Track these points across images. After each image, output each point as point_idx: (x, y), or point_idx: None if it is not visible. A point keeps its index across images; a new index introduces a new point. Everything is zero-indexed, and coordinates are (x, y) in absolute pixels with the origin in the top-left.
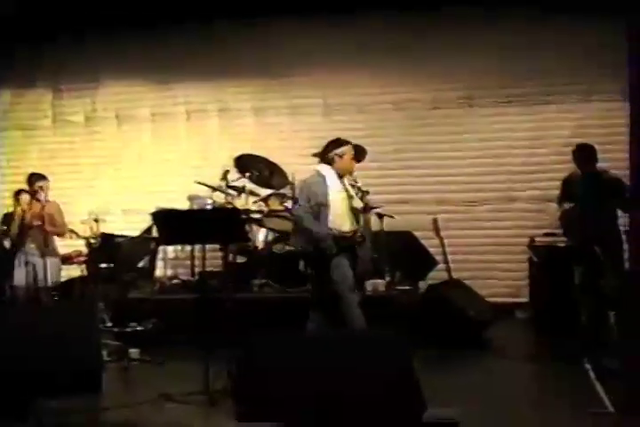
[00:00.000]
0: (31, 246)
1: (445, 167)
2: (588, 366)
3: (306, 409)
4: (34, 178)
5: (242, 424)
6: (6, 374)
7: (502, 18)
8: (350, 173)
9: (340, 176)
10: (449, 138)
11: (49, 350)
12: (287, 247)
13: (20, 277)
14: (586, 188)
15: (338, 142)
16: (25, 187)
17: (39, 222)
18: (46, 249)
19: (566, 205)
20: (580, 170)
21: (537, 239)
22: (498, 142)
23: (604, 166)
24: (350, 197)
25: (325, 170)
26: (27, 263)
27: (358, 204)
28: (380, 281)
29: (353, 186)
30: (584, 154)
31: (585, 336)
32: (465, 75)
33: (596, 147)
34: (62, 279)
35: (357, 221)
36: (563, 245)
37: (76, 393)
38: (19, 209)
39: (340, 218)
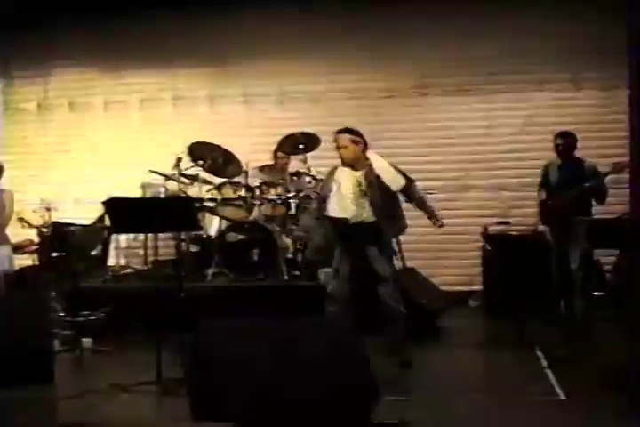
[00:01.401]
0: None
1: (399, 155)
2: (539, 353)
3: (256, 397)
4: None
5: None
6: None
7: (459, 3)
8: (351, 160)
9: (347, 165)
10: (403, 126)
11: (0, 339)
12: (240, 236)
13: None
14: (562, 175)
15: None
16: None
17: None
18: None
19: (543, 194)
20: (559, 157)
21: (490, 228)
22: (452, 131)
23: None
24: (360, 186)
25: None
26: None
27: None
28: (331, 270)
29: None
30: (565, 141)
31: (564, 324)
32: (418, 63)
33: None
34: (14, 269)
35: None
36: (516, 233)
37: (28, 383)
38: None
39: (339, 204)
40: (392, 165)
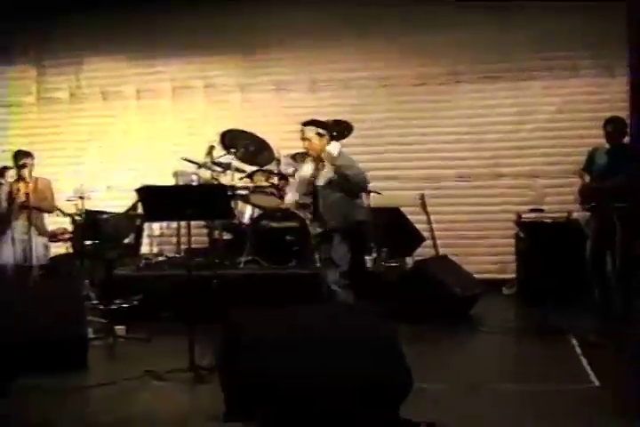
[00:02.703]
0: (19, 224)
1: (432, 143)
2: (573, 341)
3: (294, 385)
4: (19, 155)
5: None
6: None
7: None
8: (313, 152)
9: (310, 157)
10: (435, 114)
11: (35, 327)
12: (272, 224)
13: (7, 255)
14: (611, 160)
15: None
16: (9, 164)
17: (25, 200)
18: (34, 227)
19: (586, 178)
20: (608, 142)
21: (523, 215)
22: (484, 118)
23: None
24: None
25: None
26: (14, 241)
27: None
28: (366, 257)
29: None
30: (614, 126)
31: (598, 311)
32: (450, 51)
33: (586, 122)
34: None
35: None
36: (549, 220)
37: (62, 370)
38: (4, 187)
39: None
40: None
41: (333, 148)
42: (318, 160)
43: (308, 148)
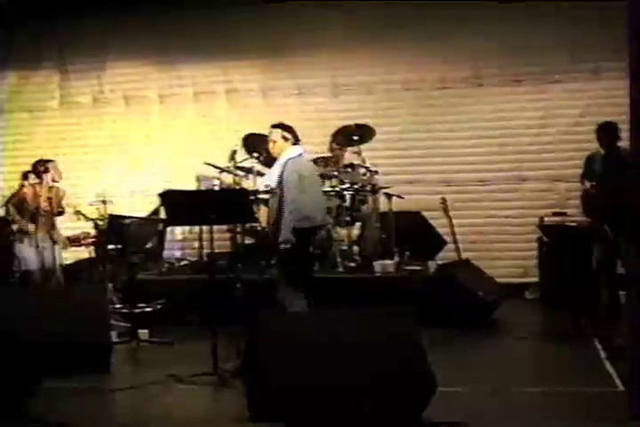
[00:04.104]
0: (41, 231)
1: (454, 147)
2: (598, 345)
3: (319, 387)
4: (39, 165)
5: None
6: (17, 355)
7: None
8: (277, 155)
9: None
10: (458, 118)
11: (59, 331)
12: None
13: (31, 260)
14: (607, 166)
15: None
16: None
17: (48, 206)
18: (53, 232)
19: (587, 184)
20: (602, 148)
21: (546, 219)
22: (506, 122)
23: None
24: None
25: None
26: (37, 246)
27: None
28: (388, 261)
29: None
30: (607, 132)
31: (604, 315)
32: (474, 54)
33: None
34: (71, 261)
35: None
36: (573, 224)
37: (86, 374)
38: (27, 192)
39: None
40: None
41: (292, 152)
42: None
43: (271, 149)
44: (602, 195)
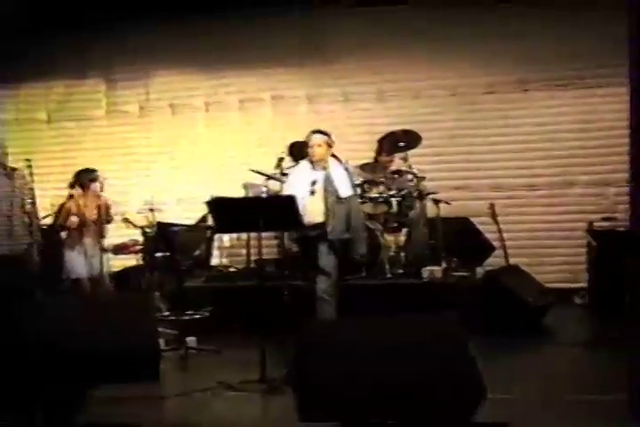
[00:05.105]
0: (89, 239)
1: (501, 152)
2: None
3: (362, 397)
4: (83, 174)
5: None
6: (65, 363)
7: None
8: (320, 160)
9: (313, 164)
10: (504, 122)
11: (107, 339)
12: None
13: (80, 269)
14: None
15: None
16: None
17: (95, 215)
18: (102, 241)
19: None
20: None
21: (595, 224)
22: (554, 126)
23: None
24: (314, 185)
25: None
26: (86, 254)
27: None
28: (436, 267)
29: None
30: None
31: None
32: (518, 59)
33: None
34: (118, 269)
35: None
36: (622, 229)
37: (134, 382)
38: (74, 201)
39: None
40: (347, 173)
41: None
42: (317, 167)
43: (317, 153)
44: None
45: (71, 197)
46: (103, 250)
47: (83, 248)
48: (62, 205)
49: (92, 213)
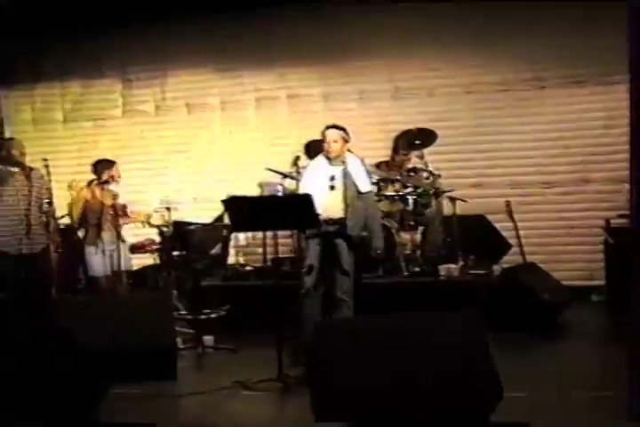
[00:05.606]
0: (107, 236)
1: (517, 150)
2: None
3: (376, 396)
4: (100, 166)
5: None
6: (83, 361)
7: None
8: (337, 155)
9: (330, 159)
10: (520, 120)
11: (124, 337)
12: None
13: (98, 266)
14: None
15: None
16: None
17: (112, 211)
18: (119, 237)
19: None
20: None
21: (612, 221)
22: (570, 124)
23: None
24: (332, 180)
25: None
26: (104, 252)
27: None
28: (453, 265)
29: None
30: None
31: None
32: (535, 56)
33: None
34: (135, 268)
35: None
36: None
37: (151, 380)
38: (89, 196)
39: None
40: (364, 168)
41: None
42: (333, 163)
43: (333, 149)
44: None
45: (89, 185)
46: (120, 247)
47: (100, 245)
48: (76, 202)
49: (108, 203)
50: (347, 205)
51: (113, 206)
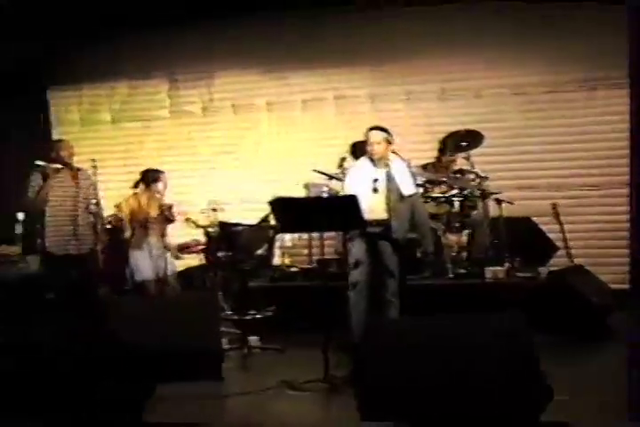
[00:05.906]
0: (154, 239)
1: (564, 151)
2: None
3: (424, 397)
4: (149, 174)
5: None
6: (131, 362)
7: None
8: (380, 157)
9: (373, 161)
10: (567, 122)
11: (171, 338)
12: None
13: (145, 268)
14: None
15: None
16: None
17: (158, 214)
18: (165, 240)
19: None
20: None
21: None
22: (615, 125)
23: None
24: (376, 182)
25: None
26: (151, 254)
27: None
28: (499, 268)
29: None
30: None
31: None
32: (582, 57)
33: None
34: (181, 269)
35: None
36: None
37: (197, 380)
38: (137, 200)
39: None
40: (409, 171)
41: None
42: (378, 165)
43: (377, 151)
44: None
45: (134, 195)
46: (167, 249)
47: (148, 247)
48: (123, 205)
49: (154, 212)
50: (389, 208)
51: (160, 211)
